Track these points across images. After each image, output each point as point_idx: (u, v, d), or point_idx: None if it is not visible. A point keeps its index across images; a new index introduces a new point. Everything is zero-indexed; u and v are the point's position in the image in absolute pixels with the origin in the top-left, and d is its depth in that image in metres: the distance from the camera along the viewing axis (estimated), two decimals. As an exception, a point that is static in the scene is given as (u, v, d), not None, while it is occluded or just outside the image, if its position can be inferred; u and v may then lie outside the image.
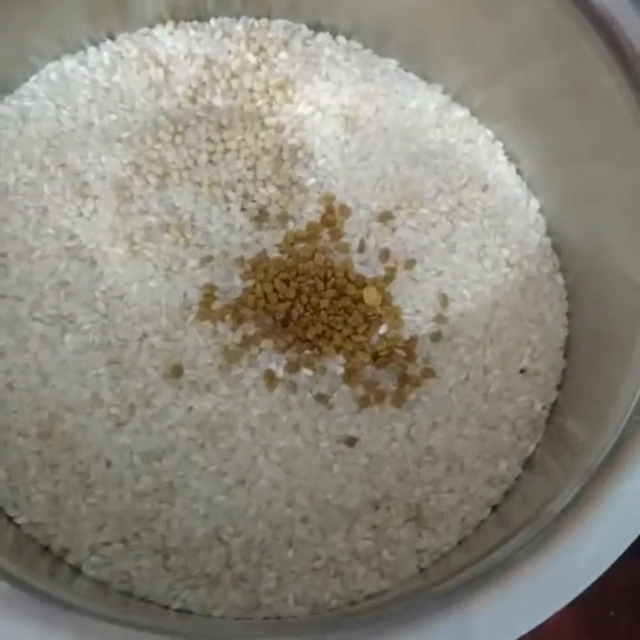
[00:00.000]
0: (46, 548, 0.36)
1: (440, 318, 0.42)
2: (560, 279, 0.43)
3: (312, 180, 0.43)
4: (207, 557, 0.37)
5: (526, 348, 0.41)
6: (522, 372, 0.41)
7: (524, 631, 0.26)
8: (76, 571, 0.36)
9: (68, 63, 0.43)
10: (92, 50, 0.43)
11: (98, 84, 0.43)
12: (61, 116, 0.42)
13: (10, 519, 0.36)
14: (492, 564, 0.30)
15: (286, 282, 0.40)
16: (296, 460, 0.39)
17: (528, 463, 0.40)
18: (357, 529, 0.38)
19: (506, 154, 0.45)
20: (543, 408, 0.41)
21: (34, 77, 0.43)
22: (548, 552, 0.28)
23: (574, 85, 0.40)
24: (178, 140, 0.41)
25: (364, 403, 0.40)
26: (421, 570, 0.38)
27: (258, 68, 0.44)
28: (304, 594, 0.37)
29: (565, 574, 0.27)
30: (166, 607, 0.36)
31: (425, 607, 0.28)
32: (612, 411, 0.34)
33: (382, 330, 0.41)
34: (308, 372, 0.40)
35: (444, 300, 0.42)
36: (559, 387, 0.41)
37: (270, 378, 0.39)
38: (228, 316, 0.40)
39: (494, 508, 0.40)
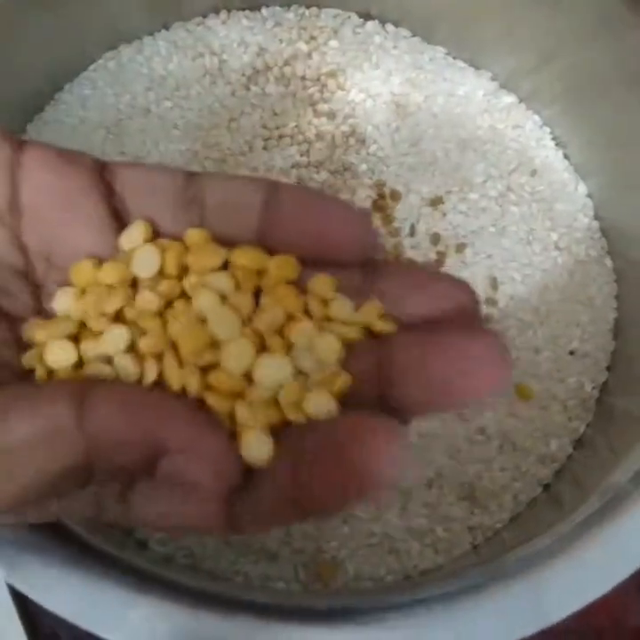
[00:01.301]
0: (113, 526, 0.37)
1: (490, 301, 0.42)
2: (609, 262, 0.44)
3: (364, 166, 0.43)
4: (266, 533, 0.38)
5: (576, 330, 0.42)
6: (571, 353, 0.42)
7: (593, 599, 0.27)
8: (144, 545, 0.37)
9: (125, 52, 0.44)
10: (147, 39, 0.44)
11: (154, 72, 0.43)
12: (120, 103, 0.43)
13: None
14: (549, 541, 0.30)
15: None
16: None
17: (578, 443, 0.41)
18: (411, 507, 0.39)
19: (554, 139, 0.45)
20: (593, 388, 0.42)
21: (92, 66, 0.44)
22: (613, 523, 0.29)
23: (626, 73, 0.40)
24: (233, 126, 0.42)
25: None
26: (474, 547, 0.39)
27: (309, 56, 0.44)
28: (360, 568, 0.38)
29: (631, 541, 0.28)
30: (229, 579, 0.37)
31: (496, 574, 0.29)
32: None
33: (433, 313, 0.42)
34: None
35: (494, 284, 0.42)
36: (609, 368, 0.42)
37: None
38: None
39: (546, 487, 0.40)
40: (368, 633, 0.27)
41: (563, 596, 0.27)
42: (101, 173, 0.21)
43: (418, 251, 0.43)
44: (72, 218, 0.21)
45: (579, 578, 0.27)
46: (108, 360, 0.20)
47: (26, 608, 0.40)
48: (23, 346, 0.21)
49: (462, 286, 0.21)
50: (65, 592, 0.26)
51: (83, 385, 0.19)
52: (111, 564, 0.28)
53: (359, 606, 0.28)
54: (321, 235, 0.20)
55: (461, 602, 0.28)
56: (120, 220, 0.21)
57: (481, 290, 0.42)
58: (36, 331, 0.21)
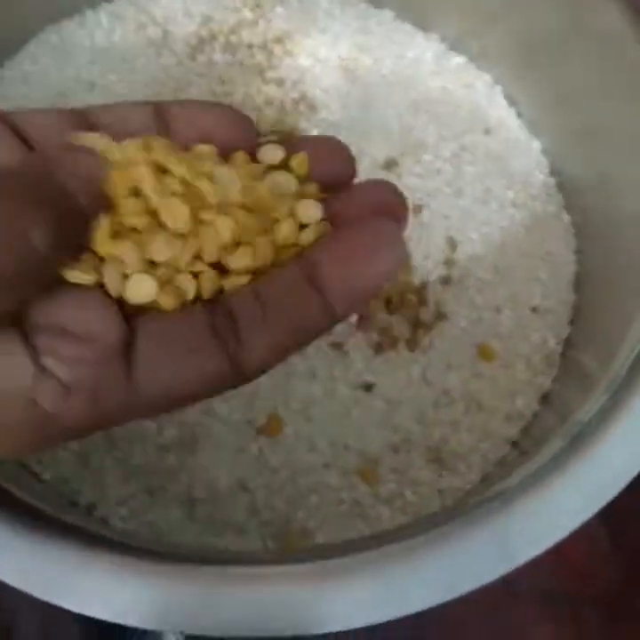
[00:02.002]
0: (74, 504, 0.36)
1: (449, 262, 0.42)
2: (566, 217, 0.43)
3: (315, 132, 0.43)
4: (232, 506, 0.37)
5: (536, 287, 0.42)
6: (533, 310, 0.42)
7: (559, 538, 0.26)
8: (105, 523, 0.36)
9: (67, 26, 0.43)
10: (89, 12, 0.44)
11: (97, 45, 0.43)
12: (63, 78, 0.42)
13: (35, 475, 0.36)
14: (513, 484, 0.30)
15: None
16: (315, 407, 0.39)
17: (544, 399, 0.41)
18: (379, 472, 0.38)
19: (506, 97, 0.45)
20: (557, 343, 0.41)
21: (33, 41, 0.43)
22: (573, 463, 0.28)
23: (576, 26, 0.40)
24: (180, 95, 0.42)
25: (378, 349, 0.40)
26: (445, 509, 0.39)
27: (255, 23, 0.44)
28: (330, 537, 0.37)
29: (594, 482, 0.28)
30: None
31: (455, 525, 0.28)
32: (624, 343, 0.35)
33: (393, 276, 0.41)
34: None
35: (453, 244, 0.42)
36: (571, 322, 0.42)
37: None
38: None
39: (514, 444, 0.40)
40: (337, 584, 0.26)
41: (526, 537, 0.26)
42: None
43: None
44: None
45: (543, 518, 0.27)
46: None
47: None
48: None
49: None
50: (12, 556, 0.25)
51: None
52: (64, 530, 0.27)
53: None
54: (210, 138, 0.22)
55: (427, 549, 0.27)
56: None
57: (439, 251, 0.42)
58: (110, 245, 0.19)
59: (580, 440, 0.29)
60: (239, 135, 0.23)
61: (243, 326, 0.20)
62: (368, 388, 0.39)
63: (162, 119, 0.22)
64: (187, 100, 0.24)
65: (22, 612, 0.39)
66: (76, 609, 0.25)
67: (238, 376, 0.20)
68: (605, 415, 0.30)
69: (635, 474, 0.27)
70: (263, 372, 0.20)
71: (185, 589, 0.26)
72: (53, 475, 0.36)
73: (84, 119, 0.22)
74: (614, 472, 0.27)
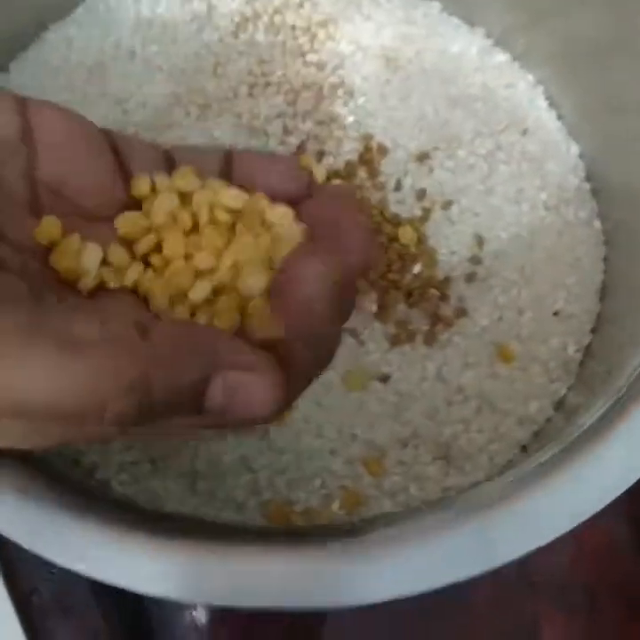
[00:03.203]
0: (77, 463, 0.36)
1: (475, 259, 0.41)
2: (598, 224, 0.43)
3: (351, 119, 0.42)
4: (234, 483, 0.37)
5: (561, 291, 0.41)
6: (555, 314, 0.41)
7: (546, 541, 0.26)
8: (105, 485, 0.36)
9: (114, -6, 0.43)
10: (137, -18, 0.44)
11: (142, 15, 0.43)
12: (105, 45, 0.42)
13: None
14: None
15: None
16: (327, 394, 0.38)
17: (559, 405, 0.40)
18: (385, 464, 0.38)
19: (547, 99, 0.45)
20: (576, 351, 0.40)
21: (80, 8, 0.43)
22: (566, 469, 0.28)
23: (627, 31, 0.39)
24: (219, 71, 0.42)
25: (395, 341, 0.40)
26: (448, 507, 0.38)
27: (301, 5, 0.44)
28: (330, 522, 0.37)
29: (584, 490, 0.27)
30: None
31: (443, 518, 0.28)
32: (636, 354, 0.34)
33: (416, 269, 0.41)
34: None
35: (480, 241, 0.41)
36: (593, 331, 0.41)
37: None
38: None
39: (524, 448, 0.39)
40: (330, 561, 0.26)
41: (511, 538, 0.26)
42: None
43: (403, 206, 0.42)
44: (85, 156, 0.23)
45: (528, 520, 0.26)
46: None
47: (4, 565, 0.40)
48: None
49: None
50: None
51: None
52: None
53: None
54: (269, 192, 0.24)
55: (410, 541, 0.27)
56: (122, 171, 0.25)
57: (466, 247, 0.41)
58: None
59: (578, 443, 0.28)
60: (296, 192, 0.25)
61: None
62: (384, 379, 0.39)
63: (229, 166, 0.25)
64: (257, 153, 0.27)
65: (40, 579, 0.40)
66: (78, 570, 0.25)
67: None
68: (606, 420, 0.29)
69: (634, 481, 0.27)
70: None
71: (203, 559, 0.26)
72: (59, 434, 0.36)
73: (170, 156, 0.26)
74: (612, 479, 0.27)
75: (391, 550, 0.26)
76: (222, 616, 0.39)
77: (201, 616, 0.40)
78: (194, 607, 0.39)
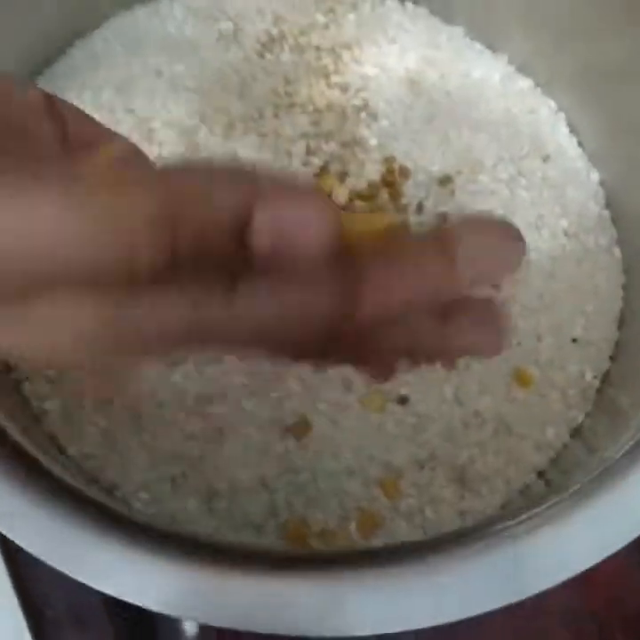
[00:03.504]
0: (96, 481, 0.36)
1: (495, 285, 0.41)
2: (617, 252, 0.43)
3: (374, 141, 0.43)
4: (252, 503, 0.37)
5: (580, 318, 0.41)
6: (574, 341, 0.41)
7: (575, 572, 0.26)
8: (126, 503, 0.36)
9: (141, 12, 0.44)
10: (164, 1, 0.44)
11: (168, 34, 0.43)
12: (131, 63, 0.42)
13: (61, 450, 0.37)
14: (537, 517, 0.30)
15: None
16: (345, 415, 0.39)
17: (576, 432, 0.40)
18: (401, 485, 0.38)
19: (568, 125, 0.45)
20: (594, 378, 0.41)
21: (106, 24, 0.43)
22: (597, 501, 0.28)
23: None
24: (244, 91, 0.42)
25: (414, 363, 0.40)
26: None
27: (326, 27, 0.44)
28: (345, 544, 0.37)
29: (615, 523, 0.27)
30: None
31: (474, 547, 0.28)
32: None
33: (436, 293, 0.41)
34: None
35: (500, 267, 0.42)
36: (612, 358, 0.41)
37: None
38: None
39: (540, 474, 0.40)
40: (346, 591, 0.26)
41: (541, 569, 0.26)
42: None
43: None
44: None
45: (558, 553, 0.26)
46: None
47: (17, 576, 0.40)
48: None
49: None
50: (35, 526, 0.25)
51: None
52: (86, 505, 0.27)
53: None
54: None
55: (440, 569, 0.27)
56: None
57: (486, 272, 0.41)
58: None
59: (605, 479, 0.29)
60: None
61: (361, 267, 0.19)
62: (402, 400, 0.39)
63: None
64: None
65: (53, 591, 0.40)
66: (90, 583, 0.25)
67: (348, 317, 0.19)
68: (633, 456, 0.29)
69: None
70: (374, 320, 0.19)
71: (203, 577, 0.26)
72: (79, 450, 0.36)
73: None
74: (636, 516, 0.27)
75: (421, 580, 0.26)
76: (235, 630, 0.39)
77: (212, 629, 0.40)
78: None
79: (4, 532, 0.26)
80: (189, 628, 0.38)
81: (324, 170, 0.42)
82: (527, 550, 0.27)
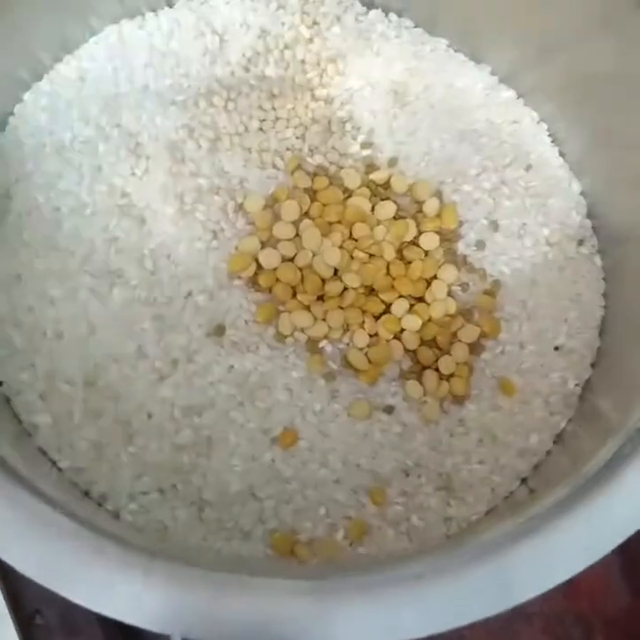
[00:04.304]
0: (86, 494, 0.37)
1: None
2: (598, 261, 0.44)
3: (359, 152, 0.43)
4: (241, 512, 0.37)
5: (562, 326, 0.42)
6: (556, 348, 0.42)
7: (558, 582, 0.26)
8: (115, 516, 0.37)
9: (127, 27, 0.44)
10: (150, 15, 0.45)
11: (155, 48, 0.43)
12: (118, 77, 0.43)
13: (53, 463, 0.37)
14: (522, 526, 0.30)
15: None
16: (332, 424, 0.39)
17: (559, 438, 0.41)
18: (388, 493, 0.39)
19: (550, 136, 0.45)
20: (576, 385, 0.41)
21: (93, 39, 0.44)
22: (581, 509, 0.29)
23: (627, 72, 0.40)
24: (230, 106, 0.42)
25: (405, 375, 0.41)
26: (448, 537, 0.39)
27: (311, 40, 0.44)
28: (333, 553, 0.38)
29: (599, 530, 0.28)
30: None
31: (460, 558, 0.29)
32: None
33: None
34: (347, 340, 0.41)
35: (483, 276, 0.42)
36: (593, 366, 0.42)
37: (312, 343, 0.40)
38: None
39: (523, 481, 0.40)
40: (337, 605, 0.27)
41: (528, 578, 0.27)
42: None
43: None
44: None
45: (545, 561, 0.27)
46: None
47: (7, 585, 0.40)
48: None
49: None
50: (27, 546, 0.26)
51: None
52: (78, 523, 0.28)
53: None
54: None
55: (429, 581, 0.27)
56: None
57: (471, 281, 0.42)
58: None
59: (588, 487, 0.29)
60: None
61: None
62: (389, 410, 0.40)
63: None
64: None
65: (44, 599, 0.40)
66: (81, 603, 0.26)
67: None
68: (616, 465, 0.30)
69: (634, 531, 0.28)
70: None
71: (191, 594, 0.27)
72: (70, 464, 0.37)
73: None
74: (619, 523, 0.28)
75: (407, 591, 0.27)
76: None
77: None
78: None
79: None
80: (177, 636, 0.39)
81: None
82: (512, 560, 0.28)
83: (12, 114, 0.42)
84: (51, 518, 0.28)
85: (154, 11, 0.45)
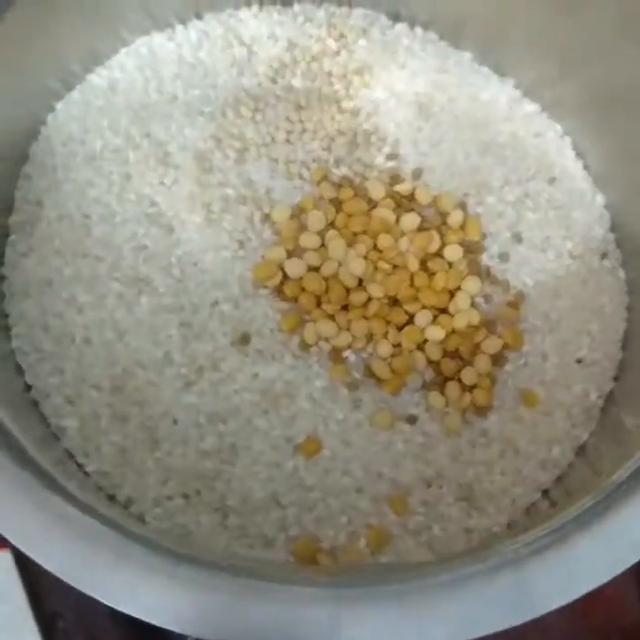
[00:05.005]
0: (112, 497, 0.38)
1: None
2: (622, 274, 0.44)
3: (384, 164, 0.44)
4: (264, 519, 0.38)
5: (585, 339, 0.42)
6: (579, 361, 0.42)
7: (581, 594, 0.27)
8: (141, 519, 0.37)
9: (157, 39, 0.45)
10: (179, 27, 0.45)
11: (184, 59, 0.44)
12: (148, 88, 0.43)
13: (79, 466, 0.38)
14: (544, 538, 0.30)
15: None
16: (354, 433, 0.40)
17: (580, 450, 0.41)
18: (409, 503, 0.39)
19: (574, 149, 0.46)
20: (598, 397, 0.42)
21: (124, 50, 0.44)
22: (603, 522, 0.29)
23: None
24: (257, 117, 0.43)
25: (428, 386, 0.41)
26: (469, 548, 0.39)
27: (337, 53, 0.45)
28: (355, 561, 0.38)
29: (621, 543, 0.28)
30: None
31: (481, 568, 0.29)
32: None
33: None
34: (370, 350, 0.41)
35: (507, 288, 0.43)
36: (616, 378, 0.42)
37: (336, 353, 0.40)
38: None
39: (545, 493, 0.40)
40: (355, 612, 0.27)
41: (549, 590, 0.27)
42: None
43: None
44: None
45: (566, 573, 0.27)
46: None
47: (30, 589, 0.41)
48: None
49: None
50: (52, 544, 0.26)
51: None
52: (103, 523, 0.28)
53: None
54: None
55: (449, 591, 0.28)
56: None
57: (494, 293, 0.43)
58: None
59: (610, 500, 0.29)
60: None
61: None
62: (412, 420, 0.40)
63: None
64: None
65: (65, 603, 0.41)
66: (106, 601, 0.26)
67: None
68: (638, 478, 0.30)
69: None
70: None
71: (213, 597, 0.27)
72: (96, 468, 0.37)
73: None
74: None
75: (428, 601, 0.27)
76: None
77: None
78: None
79: (23, 551, 0.27)
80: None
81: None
82: (534, 572, 0.28)
83: (44, 123, 0.43)
84: (79, 520, 0.29)
85: (183, 23, 0.45)
